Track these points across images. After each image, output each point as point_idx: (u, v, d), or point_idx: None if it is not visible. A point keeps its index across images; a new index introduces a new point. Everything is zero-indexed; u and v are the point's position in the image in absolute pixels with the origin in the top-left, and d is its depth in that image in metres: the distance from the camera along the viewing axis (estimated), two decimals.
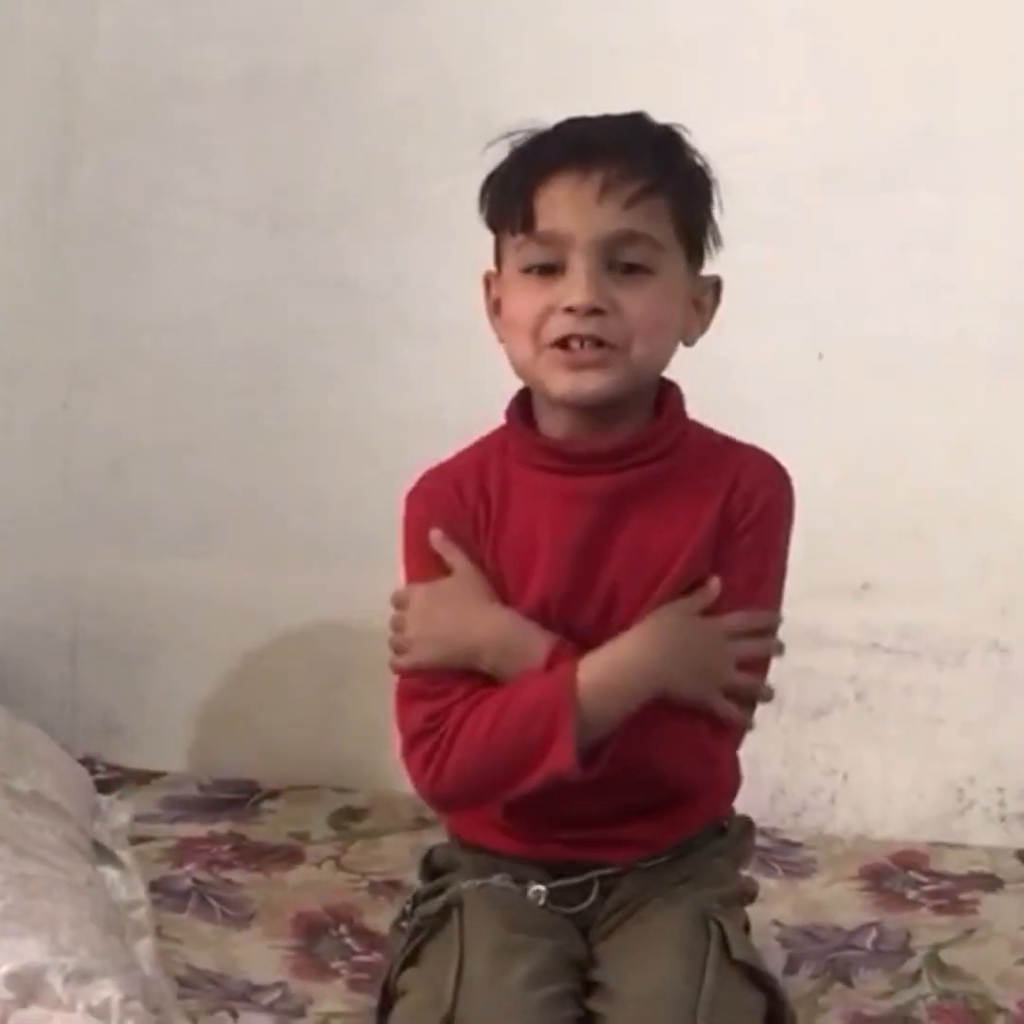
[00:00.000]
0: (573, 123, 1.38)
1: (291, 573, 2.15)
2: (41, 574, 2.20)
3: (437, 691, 1.36)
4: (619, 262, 1.33)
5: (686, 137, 1.39)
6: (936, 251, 1.99)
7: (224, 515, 2.17)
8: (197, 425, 2.17)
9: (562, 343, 1.33)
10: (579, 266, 1.32)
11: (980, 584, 2.02)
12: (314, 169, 2.12)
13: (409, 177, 2.09)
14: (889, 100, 1.97)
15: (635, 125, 1.38)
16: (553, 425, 1.40)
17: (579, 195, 1.32)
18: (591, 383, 1.34)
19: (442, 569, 1.39)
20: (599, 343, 1.32)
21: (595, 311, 1.31)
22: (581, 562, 1.37)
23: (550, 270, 1.34)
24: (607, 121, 1.37)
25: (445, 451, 1.52)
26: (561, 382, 1.34)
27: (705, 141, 1.45)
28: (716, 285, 1.42)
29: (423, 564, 1.41)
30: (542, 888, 1.40)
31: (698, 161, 1.39)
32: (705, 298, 1.41)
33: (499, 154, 1.39)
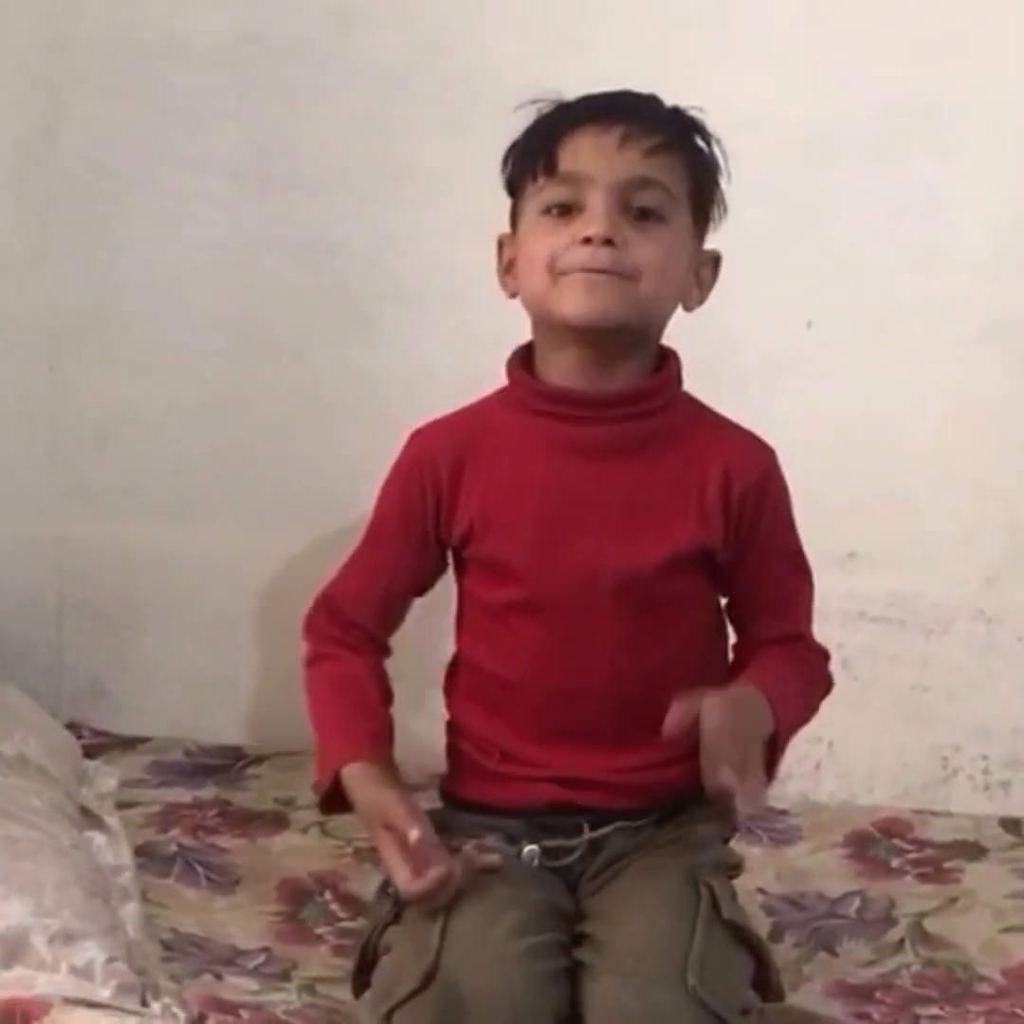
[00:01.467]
0: (595, 93, 1.45)
1: (278, 538, 2.14)
2: (27, 538, 2.19)
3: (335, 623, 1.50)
4: (634, 206, 1.39)
5: (700, 117, 1.46)
6: (926, 218, 1.98)
7: (211, 480, 2.16)
8: (184, 389, 2.16)
9: (578, 271, 1.38)
10: (597, 202, 1.38)
11: (967, 553, 2.02)
12: (303, 132, 2.11)
13: (398, 140, 2.07)
14: (880, 67, 1.96)
15: (654, 99, 1.46)
16: (555, 371, 1.44)
17: (601, 142, 1.40)
18: (600, 303, 1.38)
19: (400, 516, 1.47)
20: (610, 273, 1.38)
21: (609, 242, 1.37)
22: (570, 509, 1.42)
23: (568, 210, 1.40)
24: (627, 92, 1.45)
25: (433, 416, 1.52)
26: (574, 304, 1.38)
27: (691, 104, 1.47)
28: (716, 260, 1.47)
29: (385, 508, 1.49)
30: (535, 848, 1.42)
31: (710, 135, 1.46)
32: (704, 270, 1.46)
33: (517, 117, 1.45)
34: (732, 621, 1.51)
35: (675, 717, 1.32)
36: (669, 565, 1.42)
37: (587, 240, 1.38)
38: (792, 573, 1.49)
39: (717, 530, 1.43)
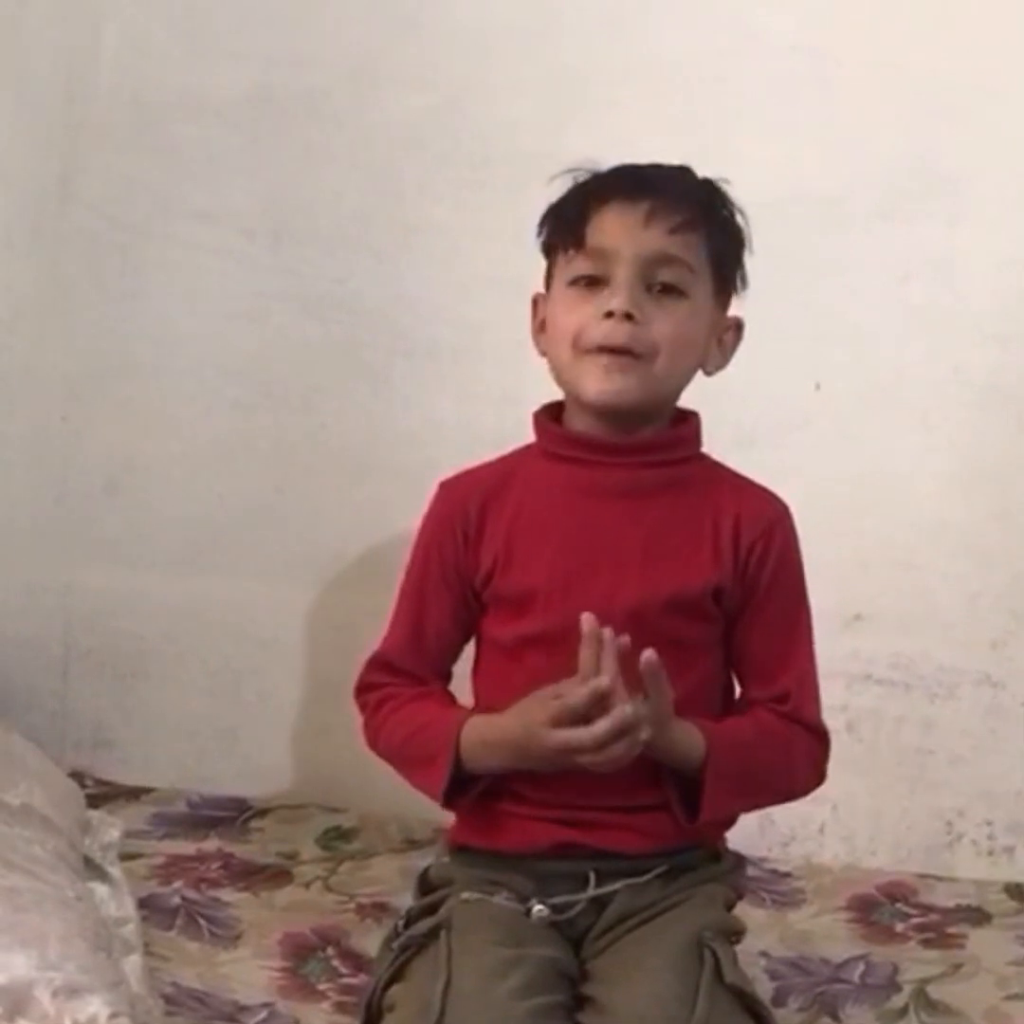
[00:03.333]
0: (627, 165, 1.51)
1: (285, 590, 2.15)
2: (34, 586, 2.20)
3: (391, 674, 1.53)
4: (657, 283, 1.46)
5: (726, 188, 1.51)
6: (934, 282, 1.99)
7: (219, 531, 2.17)
8: (194, 441, 2.17)
9: (598, 350, 1.45)
10: (621, 277, 1.45)
11: (972, 617, 2.02)
12: (316, 188, 2.12)
13: (411, 197, 2.09)
14: (889, 131, 1.98)
15: (682, 170, 1.51)
16: (580, 423, 1.51)
17: (628, 218, 1.46)
18: (618, 386, 1.45)
19: (437, 564, 1.51)
20: (629, 352, 1.45)
21: (629, 317, 1.44)
22: (588, 546, 1.47)
23: (595, 283, 1.47)
24: (658, 165, 1.51)
25: (445, 471, 1.57)
26: (594, 385, 1.46)
27: (705, 168, 1.52)
28: (738, 326, 1.53)
29: (421, 558, 1.54)
30: (544, 909, 1.42)
31: (735, 210, 1.52)
32: (727, 336, 1.52)
33: (554, 187, 1.52)
34: (736, 677, 1.52)
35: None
36: (680, 603, 1.46)
37: (609, 314, 1.44)
38: (788, 634, 1.50)
39: (728, 572, 1.47)
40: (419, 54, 2.07)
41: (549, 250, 1.52)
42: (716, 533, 1.48)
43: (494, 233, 1.98)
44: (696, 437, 1.52)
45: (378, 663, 1.54)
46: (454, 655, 1.55)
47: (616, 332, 1.44)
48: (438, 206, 2.07)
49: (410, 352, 2.11)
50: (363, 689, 1.54)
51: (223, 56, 2.12)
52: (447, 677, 1.55)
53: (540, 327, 1.53)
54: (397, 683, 1.52)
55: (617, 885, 1.44)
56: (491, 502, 1.51)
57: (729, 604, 1.48)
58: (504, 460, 1.55)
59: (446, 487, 1.55)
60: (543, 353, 1.52)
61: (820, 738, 1.49)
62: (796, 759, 1.48)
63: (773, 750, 1.46)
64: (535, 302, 1.54)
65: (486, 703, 1.50)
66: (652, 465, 1.49)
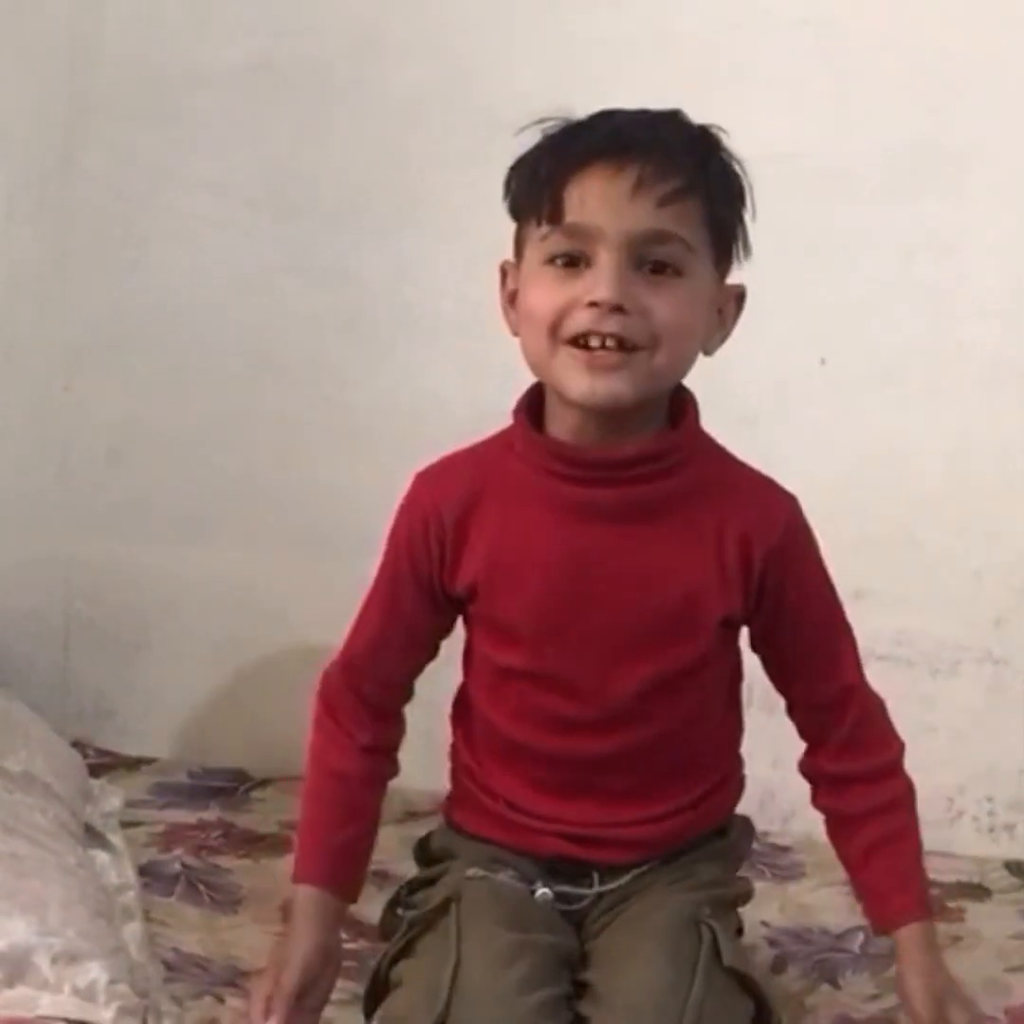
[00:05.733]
0: (608, 115, 1.32)
1: (287, 563, 2.15)
2: (36, 557, 2.20)
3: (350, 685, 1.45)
4: (648, 260, 1.28)
5: (722, 138, 1.35)
6: (939, 259, 1.99)
7: (221, 503, 2.17)
8: (197, 412, 2.17)
9: (582, 341, 1.28)
10: (606, 261, 1.27)
11: (975, 594, 2.02)
12: (319, 159, 2.12)
13: (414, 169, 2.09)
14: (894, 106, 1.97)
15: (672, 122, 1.33)
16: (562, 426, 1.35)
17: (611, 189, 1.27)
18: (609, 387, 1.28)
19: (404, 585, 1.41)
20: (620, 344, 1.27)
21: (618, 309, 1.26)
22: (579, 577, 1.35)
23: (574, 262, 1.29)
24: (644, 115, 1.32)
25: (447, 445, 1.49)
26: (578, 384, 1.29)
27: (719, 126, 1.41)
28: (740, 295, 1.37)
29: (385, 575, 1.43)
30: (549, 892, 1.39)
31: (734, 163, 1.35)
32: (728, 307, 1.36)
33: (520, 141, 1.35)
34: (774, 682, 1.44)
35: None
36: (689, 635, 1.36)
37: (594, 304, 1.26)
38: (831, 629, 1.42)
39: (737, 599, 1.36)
40: (424, 25, 2.06)
41: (517, 215, 1.33)
42: (721, 554, 1.35)
43: (498, 207, 1.93)
44: (693, 430, 1.38)
45: (342, 666, 1.45)
46: (419, 667, 1.45)
47: (603, 323, 1.26)
48: (442, 178, 2.06)
49: (413, 325, 2.10)
50: (322, 689, 1.47)
51: (227, 27, 2.11)
52: (407, 693, 1.46)
53: (511, 299, 1.34)
54: (347, 711, 1.43)
55: (624, 878, 1.41)
56: (469, 511, 1.37)
57: (755, 625, 1.39)
58: (484, 450, 1.40)
59: (421, 483, 1.41)
60: (515, 333, 1.34)
61: (884, 712, 1.46)
62: (909, 798, 1.49)
63: (911, 812, 1.47)
64: (503, 271, 1.36)
65: (480, 710, 1.44)
66: (645, 479, 1.33)
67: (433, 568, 1.39)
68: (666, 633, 1.35)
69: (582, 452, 1.34)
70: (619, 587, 1.34)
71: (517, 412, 1.38)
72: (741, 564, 1.35)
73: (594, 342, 1.28)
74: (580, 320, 1.27)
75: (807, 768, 1.46)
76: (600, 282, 1.26)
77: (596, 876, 1.41)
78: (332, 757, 1.45)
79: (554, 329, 1.28)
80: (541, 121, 1.33)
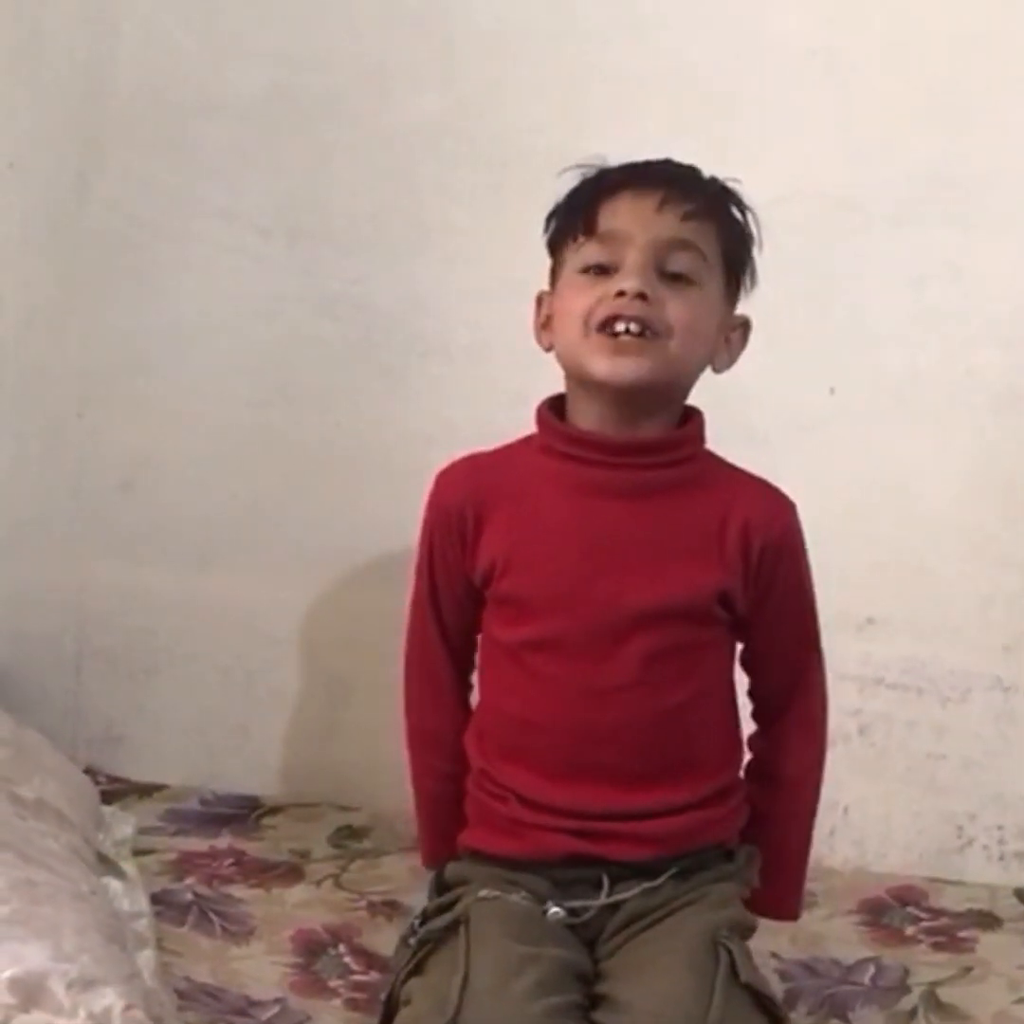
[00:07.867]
0: (637, 160, 1.50)
1: (298, 589, 2.15)
2: (48, 583, 2.20)
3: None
4: (668, 271, 1.45)
5: (737, 187, 1.51)
6: (947, 286, 1.99)
7: (233, 530, 2.17)
8: (209, 439, 2.17)
9: (609, 326, 1.43)
10: (633, 259, 1.44)
11: (985, 621, 2.02)
12: (332, 188, 2.13)
13: (426, 198, 2.09)
14: (904, 135, 1.98)
15: (693, 169, 1.51)
16: (585, 418, 1.48)
17: (640, 205, 1.45)
18: (630, 367, 1.43)
19: (442, 568, 1.52)
20: (641, 330, 1.42)
21: (641, 296, 1.42)
22: (592, 548, 1.45)
23: (605, 271, 1.45)
24: (667, 161, 1.51)
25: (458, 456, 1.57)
26: (604, 364, 1.43)
27: (720, 171, 1.52)
28: (745, 325, 1.52)
29: (423, 559, 1.55)
30: (560, 911, 1.42)
31: (747, 209, 1.51)
32: (734, 335, 1.51)
33: (540, 174, 1.53)
34: (744, 668, 1.55)
35: None
36: (688, 607, 1.46)
37: (621, 293, 1.42)
38: (805, 628, 1.54)
39: (736, 576, 1.47)
40: (436, 55, 2.07)
41: (555, 245, 1.51)
42: (723, 535, 1.46)
43: (510, 235, 1.96)
44: (700, 436, 1.51)
45: (407, 656, 1.58)
46: (476, 645, 1.57)
47: (628, 308, 1.42)
48: (454, 207, 2.07)
49: (424, 352, 2.11)
50: (406, 675, 1.58)
51: (240, 56, 2.12)
52: (470, 666, 1.57)
53: (544, 323, 1.51)
54: (421, 692, 1.57)
55: (633, 890, 1.44)
56: (490, 500, 1.50)
57: (736, 606, 1.48)
58: (505, 450, 1.54)
59: (442, 480, 1.54)
60: (548, 348, 1.50)
61: (825, 705, 1.55)
62: (821, 763, 1.56)
63: (816, 791, 1.55)
64: (539, 299, 1.53)
65: (490, 702, 1.51)
66: (658, 465, 1.47)
67: (461, 563, 1.51)
68: (670, 605, 1.45)
69: (603, 437, 1.47)
70: (629, 556, 1.46)
71: (540, 410, 1.51)
72: (740, 549, 1.47)
73: (620, 326, 1.43)
74: (608, 306, 1.43)
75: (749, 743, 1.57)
76: (627, 276, 1.43)
77: (606, 882, 1.44)
78: (429, 720, 1.56)
79: (586, 319, 1.44)
80: (578, 165, 1.51)
